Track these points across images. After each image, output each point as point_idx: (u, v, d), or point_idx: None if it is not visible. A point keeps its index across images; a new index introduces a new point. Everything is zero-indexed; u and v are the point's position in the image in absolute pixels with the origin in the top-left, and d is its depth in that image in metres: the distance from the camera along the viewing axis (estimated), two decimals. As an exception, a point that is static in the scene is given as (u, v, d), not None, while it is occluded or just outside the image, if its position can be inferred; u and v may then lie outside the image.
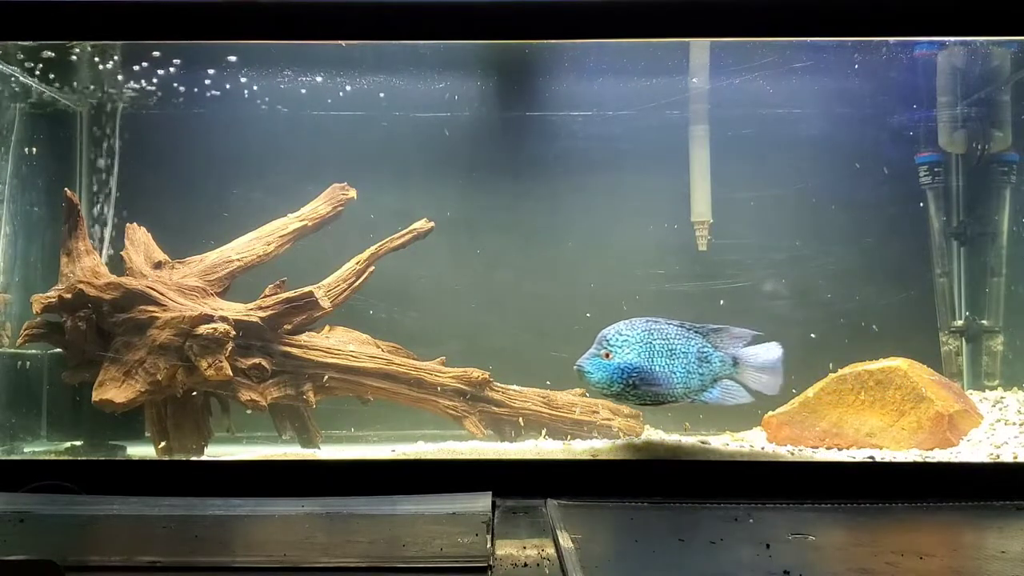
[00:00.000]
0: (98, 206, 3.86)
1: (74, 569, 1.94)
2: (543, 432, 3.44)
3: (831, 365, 3.45)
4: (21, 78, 3.66)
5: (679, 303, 3.89)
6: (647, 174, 3.99)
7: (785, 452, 3.24)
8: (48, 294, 3.24)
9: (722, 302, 3.89)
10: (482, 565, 1.99)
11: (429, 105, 3.97)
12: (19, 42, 3.39)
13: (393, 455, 3.10)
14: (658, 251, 3.98)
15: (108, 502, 2.66)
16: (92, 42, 3.52)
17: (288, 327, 3.37)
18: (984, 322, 3.87)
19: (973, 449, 3.10)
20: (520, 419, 3.45)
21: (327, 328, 3.49)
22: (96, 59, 3.69)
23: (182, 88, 3.84)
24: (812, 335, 3.88)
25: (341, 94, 3.94)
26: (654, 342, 2.99)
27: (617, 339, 2.99)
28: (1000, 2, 2.94)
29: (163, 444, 3.24)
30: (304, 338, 3.39)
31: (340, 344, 3.42)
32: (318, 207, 3.59)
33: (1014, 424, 3.25)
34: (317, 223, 3.58)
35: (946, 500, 2.76)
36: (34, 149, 3.79)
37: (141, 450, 3.36)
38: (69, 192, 3.38)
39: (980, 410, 3.35)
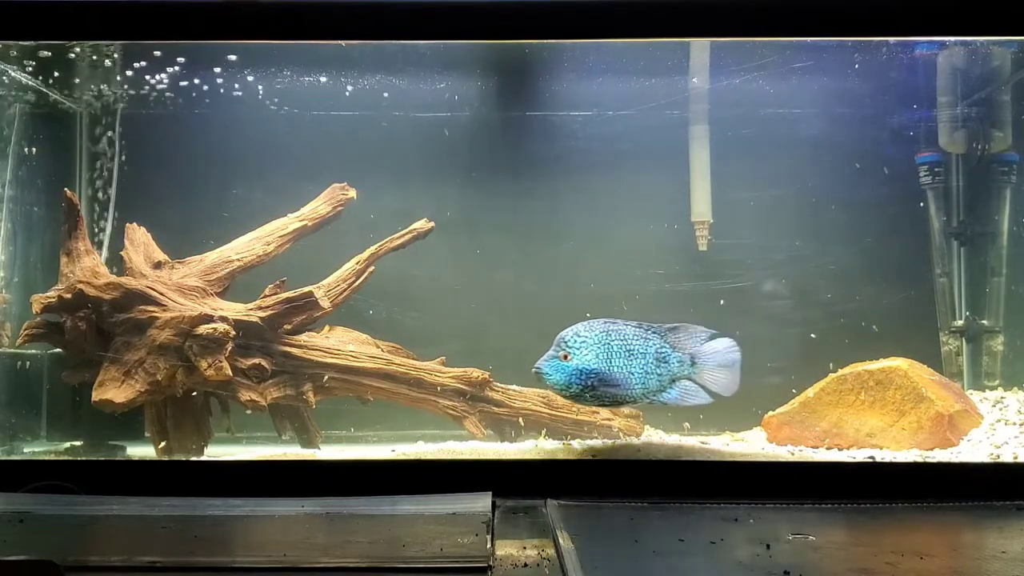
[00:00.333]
0: (98, 206, 3.86)
1: (74, 569, 1.94)
2: (543, 432, 3.44)
3: (831, 365, 3.45)
4: (21, 78, 3.66)
5: (679, 303, 3.89)
6: (647, 174, 3.99)
7: (785, 452, 3.24)
8: (48, 294, 3.24)
9: (722, 302, 3.89)
10: (482, 565, 1.99)
11: (429, 105, 3.97)
12: (19, 42, 3.38)
13: (393, 455, 3.11)
14: (658, 251, 3.98)
15: (108, 502, 2.66)
16: (91, 42, 3.52)
17: (288, 327, 3.36)
18: (984, 322, 3.87)
19: (973, 449, 3.10)
20: (520, 419, 3.45)
21: (327, 328, 3.49)
22: (96, 59, 3.69)
23: (182, 88, 3.84)
24: (812, 335, 3.88)
25: (341, 94, 3.94)
26: (612, 343, 2.98)
27: (575, 341, 2.98)
28: (1000, 2, 2.94)
29: (163, 444, 3.24)
30: (304, 338, 3.39)
31: (340, 344, 3.42)
32: (318, 207, 3.59)
33: (1014, 424, 3.25)
34: (317, 223, 3.58)
35: (946, 500, 2.76)
36: (34, 149, 3.79)
37: (141, 450, 3.36)
38: (69, 192, 3.38)
39: (980, 410, 3.35)
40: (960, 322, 3.91)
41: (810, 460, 3.13)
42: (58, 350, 3.36)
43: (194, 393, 3.27)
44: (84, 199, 3.85)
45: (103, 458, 3.32)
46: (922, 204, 3.91)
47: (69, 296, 3.20)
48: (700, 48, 3.73)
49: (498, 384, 3.46)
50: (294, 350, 3.35)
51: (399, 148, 3.98)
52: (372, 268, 3.52)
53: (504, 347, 3.84)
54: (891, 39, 3.52)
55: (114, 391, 3.09)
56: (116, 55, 3.70)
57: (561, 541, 2.18)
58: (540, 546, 2.19)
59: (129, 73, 3.79)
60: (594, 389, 2.97)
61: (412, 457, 3.08)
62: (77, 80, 3.81)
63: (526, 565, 2.03)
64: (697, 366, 3.03)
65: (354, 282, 3.50)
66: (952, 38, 3.61)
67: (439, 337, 3.78)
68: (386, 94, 3.96)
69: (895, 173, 3.94)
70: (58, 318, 3.25)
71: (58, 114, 3.89)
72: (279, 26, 2.99)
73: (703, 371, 3.03)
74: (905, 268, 3.99)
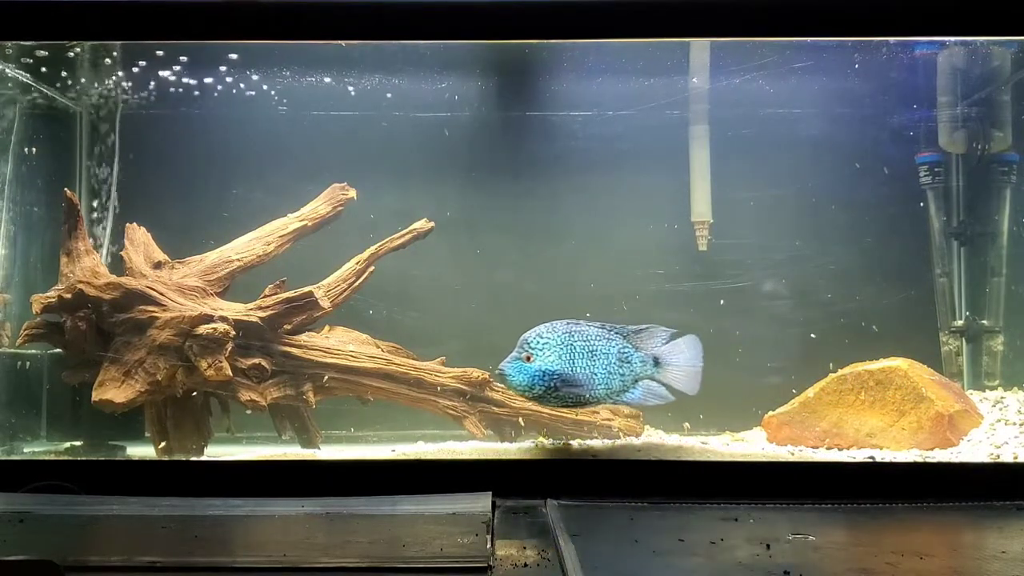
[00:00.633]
0: (98, 206, 3.86)
1: (74, 569, 1.94)
2: (543, 432, 3.44)
3: (831, 365, 3.45)
4: (21, 77, 3.66)
5: (679, 303, 3.89)
6: (647, 174, 3.99)
7: (785, 452, 3.24)
8: (48, 294, 3.24)
9: (722, 302, 3.89)
10: (482, 565, 1.99)
11: (429, 105, 3.97)
12: (19, 42, 3.39)
13: (393, 455, 3.11)
14: (658, 251, 3.98)
15: (108, 502, 2.66)
16: (91, 42, 3.52)
17: (288, 327, 3.36)
18: (984, 322, 3.87)
19: (973, 449, 3.10)
20: (520, 419, 3.45)
21: (327, 328, 3.49)
22: (96, 59, 3.69)
23: (182, 88, 3.84)
24: (812, 335, 3.88)
25: (341, 94, 3.94)
26: (575, 344, 2.99)
27: (538, 342, 2.99)
28: (1000, 2, 2.94)
29: (163, 444, 3.24)
30: (304, 338, 3.39)
31: (340, 344, 3.42)
32: (318, 207, 3.59)
33: (1014, 424, 3.24)
34: (317, 223, 3.58)
35: (946, 500, 2.76)
36: (34, 149, 3.79)
37: (141, 450, 3.36)
38: (69, 192, 3.38)
39: (980, 410, 3.35)
40: (960, 322, 3.91)
41: (810, 460, 3.13)
42: (58, 350, 3.36)
43: (194, 393, 3.27)
44: (84, 199, 3.85)
45: (103, 458, 3.32)
46: (922, 204, 3.91)
47: (69, 296, 3.20)
48: (700, 48, 3.73)
49: (498, 384, 3.46)
50: (294, 350, 3.35)
51: (399, 148, 3.98)
52: (372, 268, 3.52)
53: (504, 347, 3.83)
54: (891, 39, 3.52)
55: (114, 391, 3.09)
56: (116, 54, 3.70)
57: (561, 541, 2.18)
58: (540, 546, 2.19)
59: (129, 73, 3.79)
60: (557, 390, 2.98)
61: (412, 457, 3.08)
62: (77, 80, 3.81)
63: (526, 565, 2.03)
64: (660, 366, 3.04)
65: (354, 282, 3.50)
66: (952, 38, 3.61)
67: (439, 337, 3.78)
68: (386, 94, 3.96)
69: (895, 173, 3.94)
70: (58, 318, 3.24)
71: (58, 114, 3.89)
72: (279, 26, 2.99)
73: (666, 370, 3.04)
74: (905, 268, 3.99)
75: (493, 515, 2.51)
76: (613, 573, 1.98)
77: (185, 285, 3.33)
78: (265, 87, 3.91)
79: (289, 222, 3.55)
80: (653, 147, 3.98)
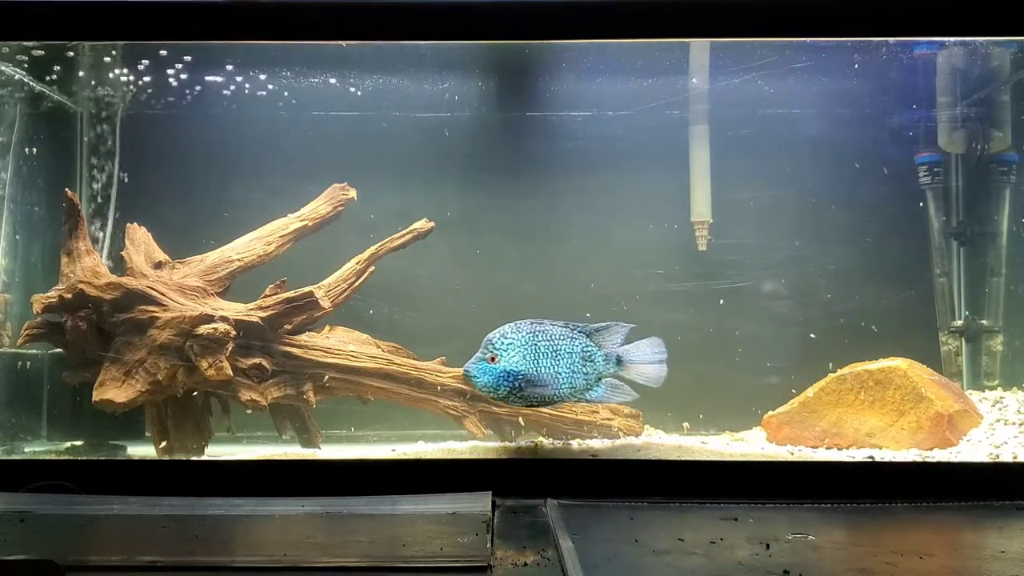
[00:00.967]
0: (98, 206, 3.86)
1: (74, 569, 1.94)
2: (543, 432, 3.44)
3: (831, 365, 3.45)
4: (21, 78, 3.66)
5: (679, 303, 3.89)
6: (647, 174, 3.99)
7: (785, 452, 3.24)
8: (48, 294, 3.24)
9: (722, 302, 3.89)
10: (482, 565, 1.99)
11: (429, 105, 3.97)
12: (19, 42, 3.39)
13: (393, 455, 3.11)
14: (658, 251, 3.98)
15: (108, 502, 2.66)
16: (92, 42, 3.52)
17: (288, 327, 3.37)
18: (984, 322, 3.87)
19: (973, 449, 3.10)
20: (520, 419, 3.45)
21: (327, 328, 3.49)
22: (96, 59, 3.69)
23: (182, 88, 3.84)
24: (812, 335, 3.88)
25: (341, 94, 3.94)
26: (539, 344, 2.99)
27: (502, 342, 2.98)
28: (1000, 2, 2.94)
29: (163, 444, 3.25)
30: (304, 338, 3.39)
31: (340, 344, 3.42)
32: (318, 207, 3.59)
33: (1014, 424, 3.25)
34: (317, 223, 3.58)
35: (946, 500, 2.76)
36: (34, 149, 3.79)
37: (141, 450, 3.36)
38: (69, 192, 3.38)
39: (980, 410, 3.35)
40: (960, 322, 3.91)
41: (810, 460, 3.14)
42: (59, 350, 3.36)
43: (195, 393, 3.27)
44: (84, 199, 3.85)
45: (103, 458, 3.32)
46: (922, 204, 3.91)
47: (70, 296, 3.20)
48: (700, 48, 3.74)
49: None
50: (294, 350, 3.35)
51: (399, 148, 3.99)
52: (372, 268, 3.53)
53: (504, 347, 3.84)
54: (891, 39, 3.52)
55: (115, 391, 3.10)
56: (116, 55, 3.70)
57: (561, 541, 2.18)
58: (540, 546, 2.19)
59: (130, 73, 3.79)
60: (522, 390, 2.98)
61: (412, 457, 3.09)
62: (77, 80, 3.81)
63: (526, 565, 2.03)
64: (623, 363, 3.04)
65: (354, 282, 3.50)
66: (952, 38, 3.61)
67: (439, 337, 3.77)
68: (386, 94, 3.96)
69: (895, 173, 3.94)
70: (59, 318, 3.25)
71: (58, 114, 3.90)
72: (279, 26, 2.99)
73: (629, 367, 3.04)
74: (905, 268, 3.99)
75: (493, 515, 2.51)
76: (613, 573, 1.98)
77: (186, 285, 3.33)
78: (266, 87, 3.91)
79: (289, 222, 3.56)
80: (653, 147, 3.98)
